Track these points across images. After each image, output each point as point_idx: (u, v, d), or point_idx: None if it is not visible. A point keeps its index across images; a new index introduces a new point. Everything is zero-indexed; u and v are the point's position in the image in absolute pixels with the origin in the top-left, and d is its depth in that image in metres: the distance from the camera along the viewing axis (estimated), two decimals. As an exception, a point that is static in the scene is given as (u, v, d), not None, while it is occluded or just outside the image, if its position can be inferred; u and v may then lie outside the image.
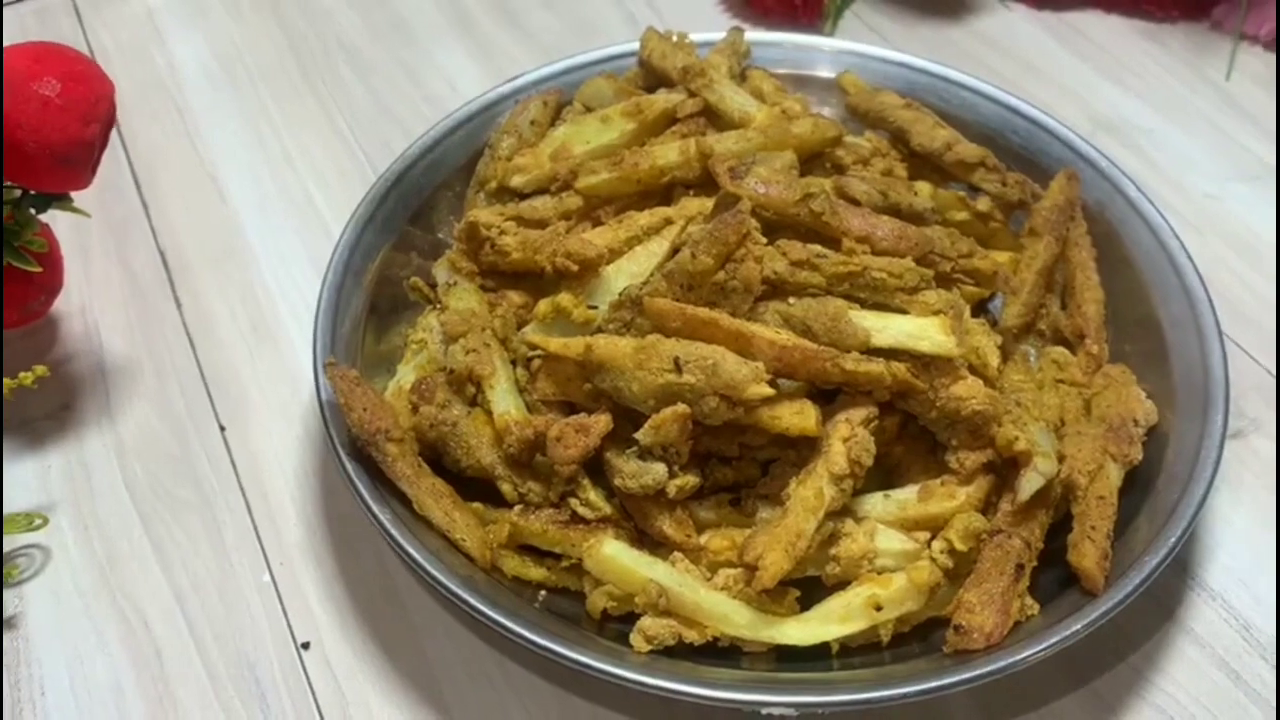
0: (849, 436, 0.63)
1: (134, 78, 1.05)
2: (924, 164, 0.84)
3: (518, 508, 0.66)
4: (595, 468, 0.66)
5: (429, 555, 0.61)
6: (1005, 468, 0.66)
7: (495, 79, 0.99)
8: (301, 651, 0.69)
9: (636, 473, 0.63)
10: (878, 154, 0.84)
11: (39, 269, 0.72)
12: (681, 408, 0.62)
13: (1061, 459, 0.66)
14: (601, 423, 0.65)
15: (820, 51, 0.92)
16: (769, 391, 0.61)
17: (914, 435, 0.69)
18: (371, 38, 1.09)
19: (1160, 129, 1.01)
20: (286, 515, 0.75)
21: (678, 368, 0.62)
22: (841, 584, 0.64)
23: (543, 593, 0.66)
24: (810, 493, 0.62)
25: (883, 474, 0.70)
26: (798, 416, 0.63)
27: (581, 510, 0.65)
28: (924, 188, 0.79)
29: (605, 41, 0.93)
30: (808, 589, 0.65)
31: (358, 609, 0.70)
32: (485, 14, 1.12)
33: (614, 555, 0.61)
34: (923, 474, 0.69)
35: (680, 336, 0.64)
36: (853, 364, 0.63)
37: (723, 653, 0.63)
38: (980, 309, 0.78)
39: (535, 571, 0.66)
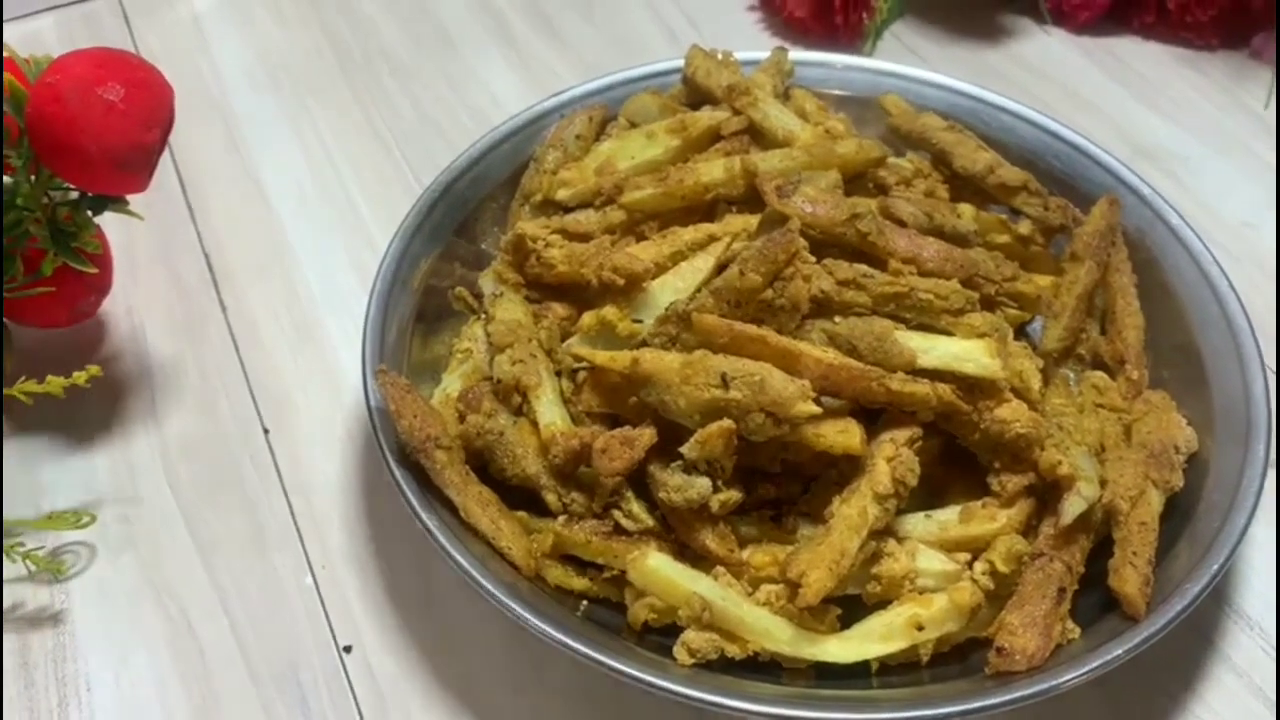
0: (893, 456, 0.64)
1: (179, 83, 1.03)
2: (964, 186, 0.84)
3: (561, 518, 0.66)
4: (638, 481, 0.67)
5: (475, 562, 0.62)
6: (1046, 491, 0.67)
7: (536, 91, 1.01)
8: (344, 654, 0.69)
9: (681, 486, 0.64)
10: (920, 175, 0.84)
11: (95, 270, 0.73)
12: (727, 423, 0.63)
13: (1103, 484, 0.66)
14: (646, 436, 0.65)
15: (861, 71, 0.92)
16: (815, 410, 0.62)
17: (956, 457, 0.70)
18: (414, 48, 1.11)
19: (1198, 156, 1.01)
20: (329, 519, 0.76)
21: (725, 383, 0.63)
22: (882, 603, 0.64)
23: (584, 603, 0.66)
24: (854, 511, 0.63)
25: (925, 495, 0.70)
26: (842, 435, 0.64)
27: (624, 522, 0.66)
28: (967, 210, 0.80)
29: (645, 57, 0.94)
30: (848, 606, 0.65)
31: (399, 614, 0.71)
32: (526, 27, 1.13)
33: (659, 568, 0.62)
34: (964, 495, 0.69)
35: (727, 353, 0.64)
36: (899, 384, 0.64)
37: (762, 668, 0.63)
38: (1020, 333, 0.79)
39: (578, 582, 0.66)
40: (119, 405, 0.82)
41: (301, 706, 0.67)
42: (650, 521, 0.66)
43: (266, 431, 0.81)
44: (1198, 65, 1.09)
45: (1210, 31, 1.10)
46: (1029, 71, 1.09)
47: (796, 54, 0.92)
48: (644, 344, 0.69)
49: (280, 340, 0.86)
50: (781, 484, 0.68)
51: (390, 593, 0.72)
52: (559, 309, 0.76)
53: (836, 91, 0.92)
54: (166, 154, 1.00)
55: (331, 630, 0.70)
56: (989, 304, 0.72)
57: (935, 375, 0.66)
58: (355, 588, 0.72)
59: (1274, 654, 0.70)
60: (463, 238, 0.84)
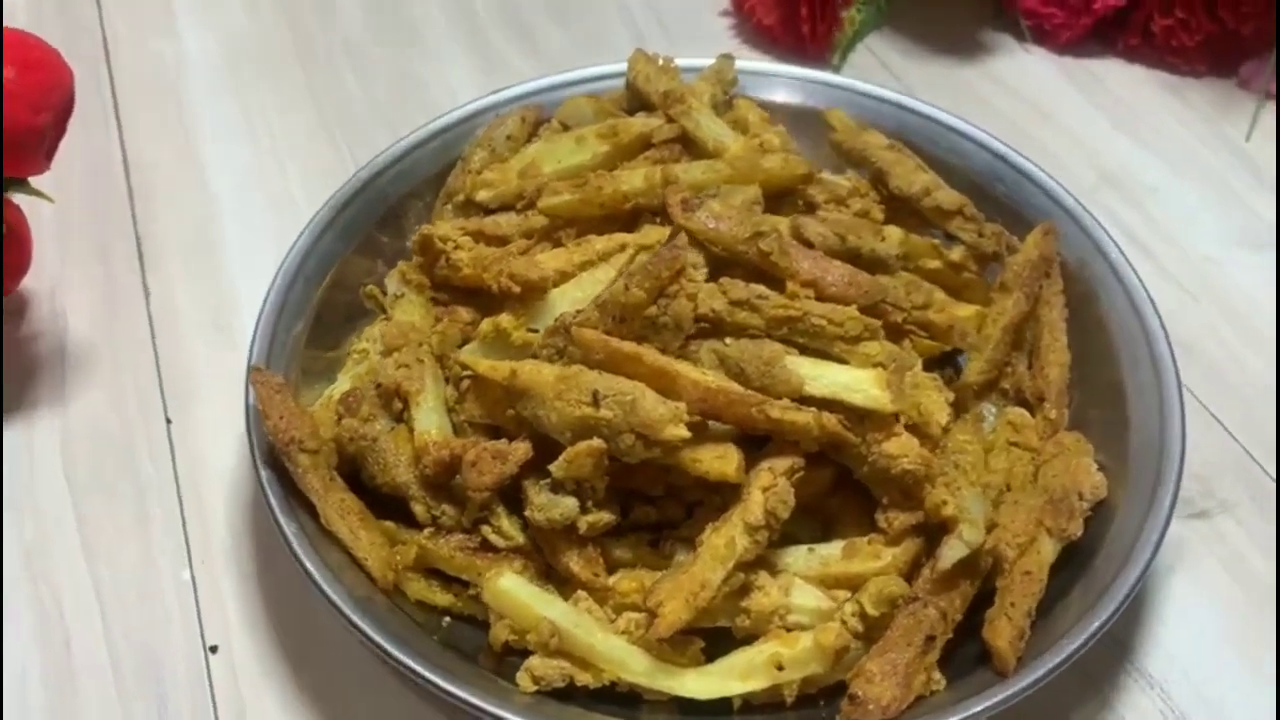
0: (769, 486, 0.61)
1: (140, 65, 1.06)
2: (902, 208, 0.81)
3: (428, 530, 0.64)
4: (513, 497, 0.65)
5: (326, 572, 0.60)
6: (936, 531, 0.64)
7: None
8: (209, 654, 0.68)
9: (546, 506, 0.61)
10: (855, 195, 0.81)
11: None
12: (597, 443, 0.61)
13: (992, 528, 0.63)
14: (520, 451, 0.63)
15: (810, 84, 0.89)
16: (685, 434, 0.59)
17: (852, 489, 0.67)
18: (378, 41, 1.09)
19: (1168, 186, 0.97)
20: (216, 515, 0.74)
21: (595, 401, 0.60)
22: (752, 637, 0.62)
23: (447, 619, 0.64)
24: (721, 541, 0.60)
25: (819, 526, 0.68)
26: (719, 461, 0.61)
27: (493, 538, 0.64)
28: (894, 233, 0.76)
29: (613, 59, 0.91)
30: (721, 639, 0.63)
31: (270, 618, 0.69)
32: (495, 27, 1.12)
33: (510, 589, 0.60)
34: (857, 530, 0.66)
35: (605, 369, 0.62)
36: (779, 412, 0.61)
37: (622, 699, 0.61)
38: (948, 362, 0.76)
39: (441, 597, 0.64)
40: (29, 384, 0.81)
41: (159, 705, 0.66)
42: (520, 539, 0.64)
43: (169, 422, 0.80)
44: (1180, 92, 1.05)
45: (1196, 57, 1.05)
46: (1004, 90, 1.06)
47: (745, 63, 0.90)
48: (535, 356, 0.67)
49: (196, 331, 0.85)
50: (662, 508, 0.66)
51: (265, 596, 0.70)
52: (464, 313, 0.74)
53: (787, 103, 0.90)
54: (113, 132, 1.00)
55: (201, 628, 0.69)
56: (897, 333, 0.69)
57: (825, 404, 0.63)
58: (231, 587, 0.71)
59: (1173, 716, 0.66)
60: (385, 234, 0.83)
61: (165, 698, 0.66)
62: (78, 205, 0.93)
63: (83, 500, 0.75)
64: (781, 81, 0.90)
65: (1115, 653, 0.68)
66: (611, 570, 0.64)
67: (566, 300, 0.70)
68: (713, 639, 0.62)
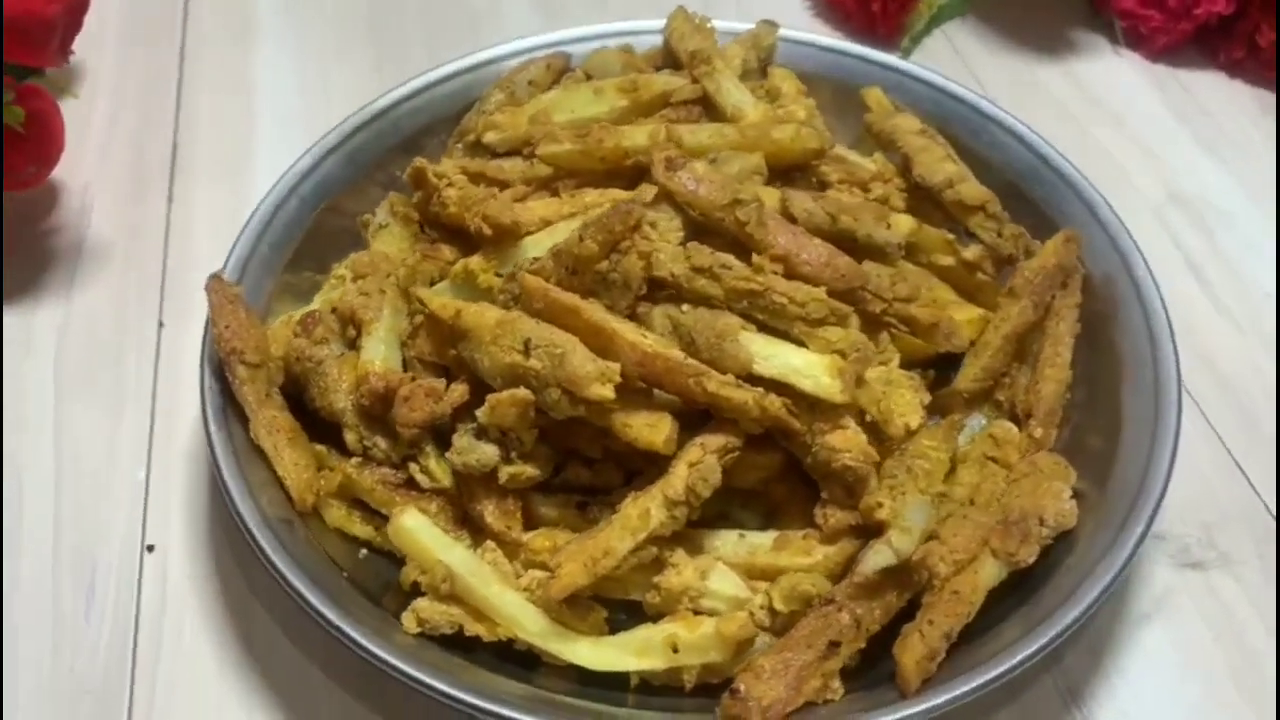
0: (696, 462, 0.58)
1: None
2: (927, 199, 0.76)
3: (356, 460, 0.64)
4: (449, 439, 0.63)
5: (241, 484, 0.60)
6: (875, 535, 0.60)
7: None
8: (145, 552, 0.69)
9: (465, 450, 0.60)
10: (878, 179, 0.77)
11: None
12: (522, 392, 0.59)
13: (933, 539, 0.59)
14: (456, 392, 0.62)
15: (848, 58, 0.85)
16: (609, 395, 0.57)
17: (802, 478, 0.63)
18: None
19: (1241, 214, 0.89)
20: (183, 425, 0.75)
21: (526, 350, 0.58)
22: (661, 616, 0.59)
23: (364, 552, 0.64)
24: (635, 512, 0.58)
25: (761, 513, 0.65)
26: (649, 429, 0.59)
27: (419, 477, 0.63)
28: (902, 222, 0.72)
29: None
30: (636, 613, 0.60)
31: (210, 529, 0.70)
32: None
33: (412, 528, 0.58)
34: (802, 522, 0.63)
35: (545, 319, 0.60)
36: (716, 385, 0.58)
37: (519, 658, 0.59)
38: (950, 366, 0.71)
39: (360, 528, 0.63)
40: (41, 276, 0.84)
41: (87, 594, 0.67)
42: (446, 482, 0.62)
43: (161, 325, 0.81)
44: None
45: (1305, 79, 0.96)
46: (1082, 93, 0.99)
47: (790, 32, 0.86)
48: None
49: (207, 245, 0.86)
50: (598, 471, 0.63)
51: (209, 506, 0.71)
52: (447, 252, 0.73)
53: (829, 78, 0.85)
54: (176, 45, 1.02)
55: (144, 527, 0.70)
56: (875, 324, 0.65)
57: (774, 386, 0.60)
58: (181, 493, 0.72)
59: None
60: (398, 166, 0.82)
61: (94, 585, 0.67)
62: (128, 109, 0.96)
63: (66, 390, 0.77)
64: (828, 56, 0.86)
65: (1064, 699, 0.63)
66: (533, 526, 0.62)
67: (539, 248, 0.68)
68: (635, 615, 0.60)
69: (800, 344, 0.61)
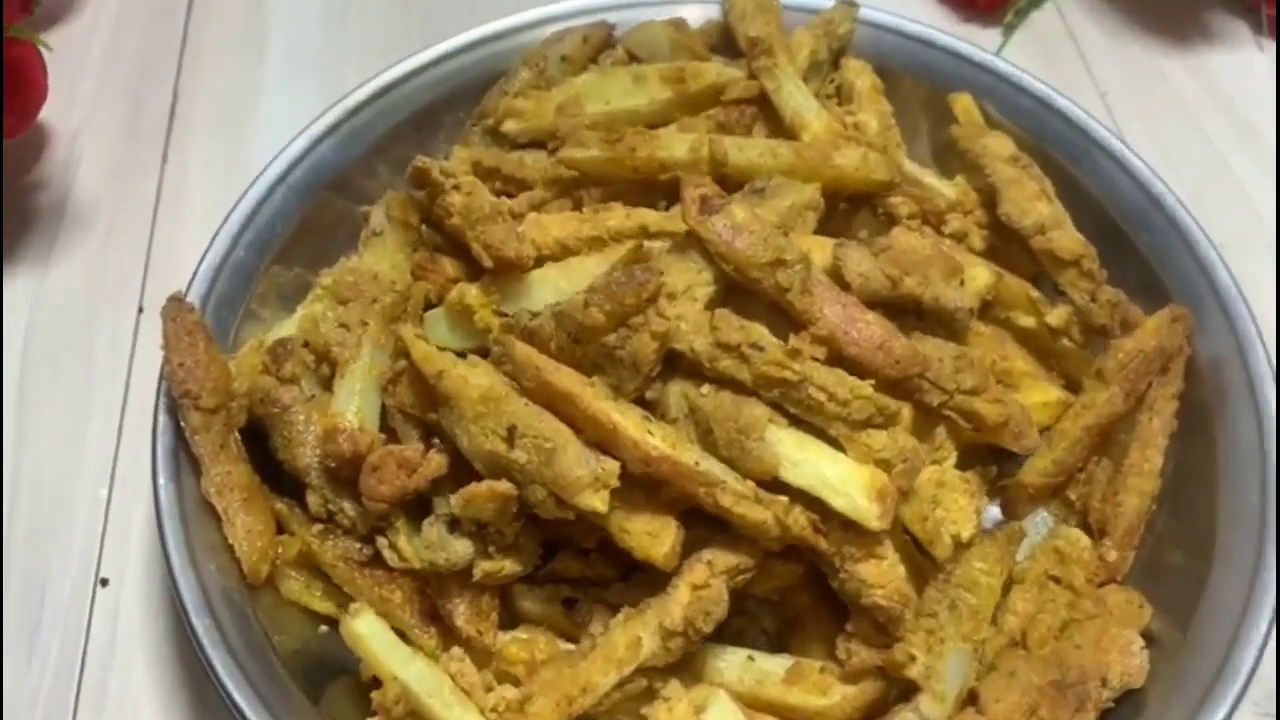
0: (701, 585, 0.50)
1: None
2: (1012, 239, 0.65)
3: (319, 527, 0.56)
4: (425, 508, 0.55)
5: (184, 556, 0.53)
6: (903, 683, 0.51)
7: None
8: (99, 585, 0.63)
9: (435, 545, 0.52)
10: (956, 209, 0.66)
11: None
12: (504, 486, 0.50)
13: (973, 701, 0.50)
14: (432, 465, 0.53)
15: (942, 53, 0.72)
16: (600, 508, 0.48)
17: (825, 587, 0.55)
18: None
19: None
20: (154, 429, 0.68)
21: (510, 438, 0.50)
22: (648, 749, 0.52)
23: (324, 627, 0.56)
24: (624, 641, 0.49)
25: (778, 623, 0.56)
26: (650, 539, 0.50)
27: (386, 554, 0.55)
28: (978, 277, 0.61)
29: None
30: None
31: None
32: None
33: (367, 635, 0.51)
34: (822, 639, 0.54)
35: (535, 400, 0.51)
36: (732, 501, 0.49)
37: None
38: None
39: (321, 604, 0.56)
40: (20, 239, 0.76)
41: (33, 626, 0.61)
42: (416, 563, 0.54)
43: (140, 311, 0.73)
44: None
45: None
46: (1211, 92, 0.85)
47: (871, 13, 0.73)
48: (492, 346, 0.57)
49: (200, 215, 0.77)
50: (591, 563, 0.55)
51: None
52: (448, 267, 0.64)
53: (907, 70, 0.73)
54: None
55: (100, 555, 0.64)
56: (932, 416, 0.55)
57: (801, 495, 0.51)
58: (142, 518, 0.65)
59: None
60: (409, 145, 0.72)
61: (40, 621, 0.62)
62: (130, 44, 0.87)
63: (32, 374, 0.70)
64: (913, 47, 0.73)
65: None
66: (512, 621, 0.54)
67: (548, 286, 0.59)
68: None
69: (837, 446, 0.51)
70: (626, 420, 0.49)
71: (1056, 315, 0.62)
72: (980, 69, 0.72)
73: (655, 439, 0.49)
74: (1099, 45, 0.87)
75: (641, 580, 0.54)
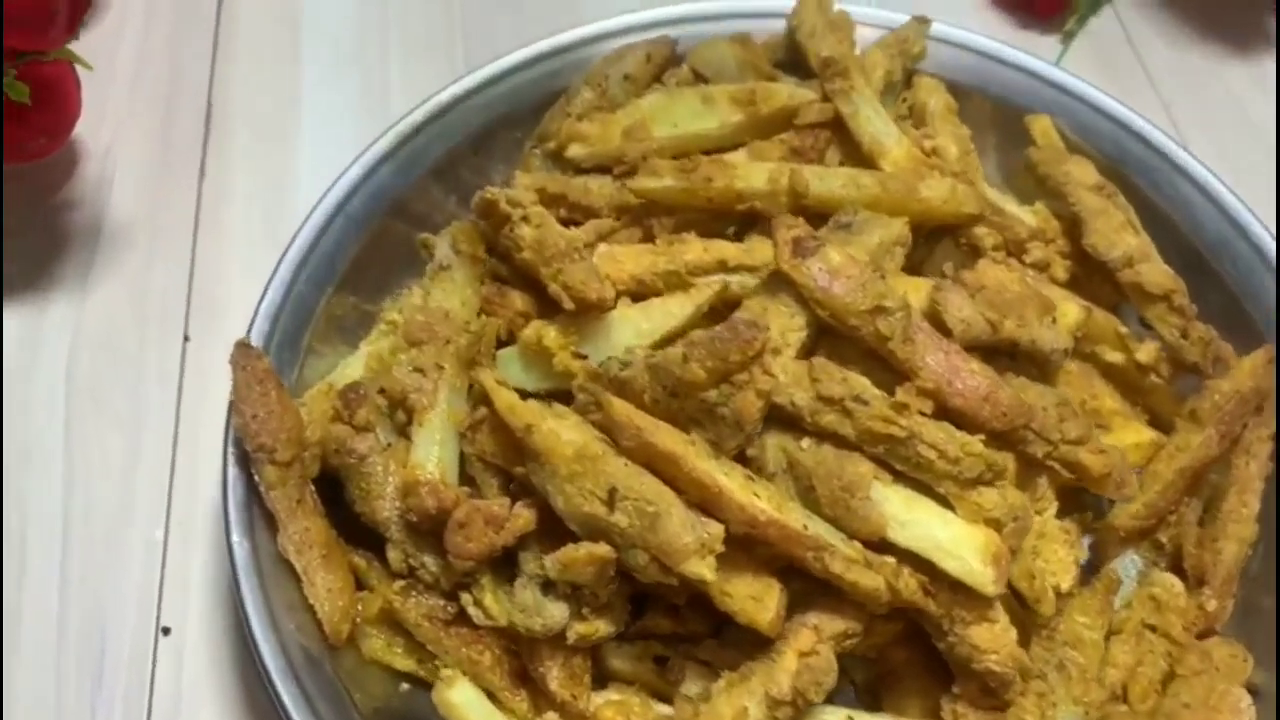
0: (808, 652, 0.48)
1: None
2: (1096, 270, 0.63)
3: (400, 583, 0.54)
4: (511, 563, 0.53)
5: (265, 619, 0.51)
6: (1011, 744, 0.50)
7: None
8: (160, 635, 0.61)
9: (530, 609, 0.50)
10: (1037, 239, 0.64)
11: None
12: (603, 549, 0.48)
13: (1087, 766, 0.49)
14: (520, 521, 0.51)
15: (1013, 70, 0.70)
16: (708, 575, 0.46)
17: (925, 643, 0.53)
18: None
19: None
20: (209, 467, 0.65)
21: (611, 501, 0.48)
22: (748, 814, 0.50)
23: (405, 685, 0.55)
24: (729, 712, 0.48)
25: (872, 677, 0.55)
26: (753, 603, 0.49)
27: (472, 611, 0.53)
28: (1069, 314, 0.59)
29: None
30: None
31: (234, 608, 0.61)
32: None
33: (461, 704, 0.49)
34: (920, 697, 0.53)
35: (634, 460, 0.49)
36: (842, 567, 0.47)
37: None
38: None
39: (402, 661, 0.54)
40: (55, 261, 0.73)
41: (94, 681, 0.59)
42: (503, 620, 0.52)
43: (187, 339, 0.71)
44: None
45: None
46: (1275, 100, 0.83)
47: (946, 29, 0.71)
48: (576, 392, 0.54)
49: (243, 228, 0.75)
50: (683, 618, 0.53)
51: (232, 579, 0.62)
52: (518, 300, 0.62)
53: (974, 86, 0.71)
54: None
55: (159, 603, 0.62)
56: (1034, 466, 0.53)
57: (906, 554, 0.49)
58: (202, 561, 0.63)
59: None
60: (464, 167, 0.70)
61: (102, 674, 0.59)
62: (159, 48, 0.83)
63: (77, 413, 0.68)
64: (982, 63, 0.71)
65: None
66: (603, 682, 0.53)
67: (629, 328, 0.57)
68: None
69: (944, 504, 0.50)
70: (732, 483, 0.48)
71: (1146, 351, 0.61)
72: (1054, 87, 0.70)
73: (762, 502, 0.48)
74: (1159, 53, 0.85)
75: (734, 636, 0.52)
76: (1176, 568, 0.58)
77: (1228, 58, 0.85)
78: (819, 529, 0.48)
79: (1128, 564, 0.60)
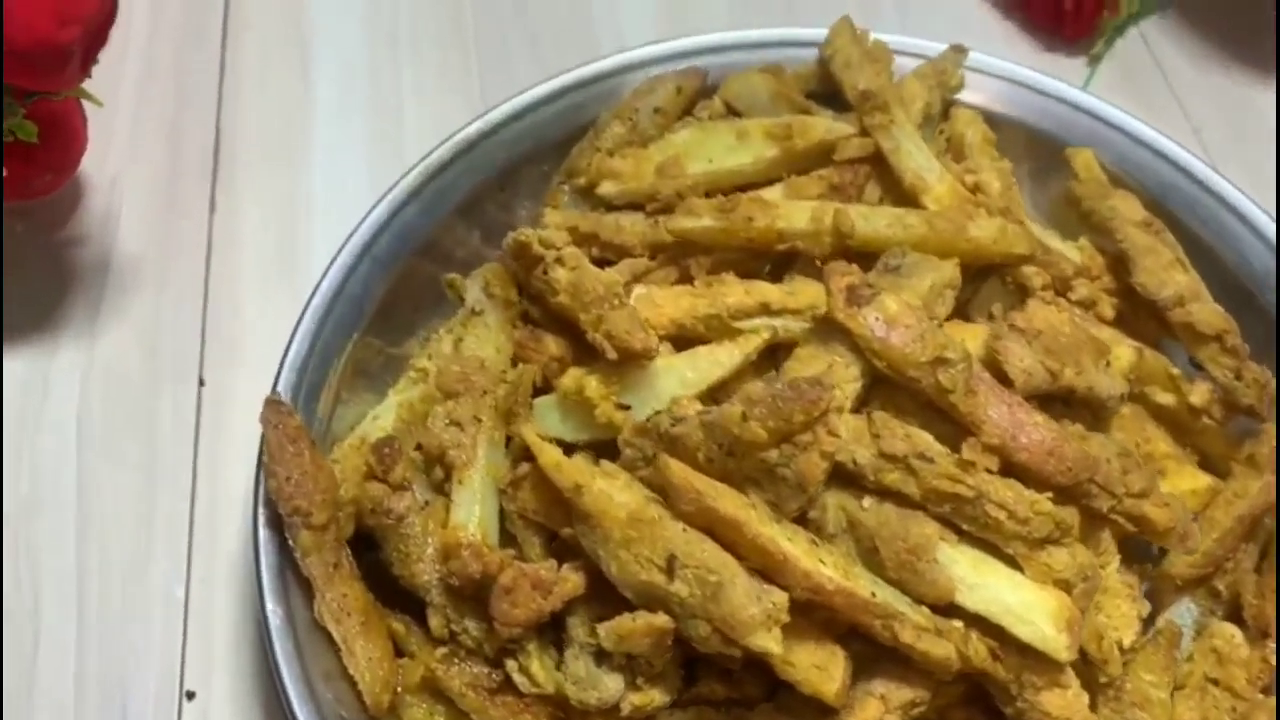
0: (876, 722, 0.46)
1: None
2: (1141, 306, 0.62)
3: (442, 650, 0.52)
4: (558, 626, 0.51)
5: (303, 690, 0.49)
6: (1083, 813, 0.48)
7: (670, 26, 0.81)
8: (184, 700, 0.58)
9: (584, 681, 0.48)
10: (1082, 276, 0.62)
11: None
12: (662, 620, 0.46)
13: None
14: (569, 585, 0.49)
15: (1052, 100, 0.69)
16: (775, 649, 0.44)
17: (985, 704, 0.51)
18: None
19: None
20: (230, 520, 0.63)
21: (670, 569, 0.46)
22: None
23: (447, 755, 0.53)
24: (792, 785, 0.46)
25: (929, 732, 0.53)
26: (818, 672, 0.47)
27: (518, 678, 0.51)
28: (1123, 356, 0.58)
29: (826, 21, 0.70)
30: None
31: (261, 673, 0.59)
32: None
33: (513, 779, 0.47)
34: (979, 757, 0.51)
35: (692, 524, 0.47)
36: (912, 636, 0.46)
37: None
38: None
39: (445, 729, 0.52)
40: (61, 302, 0.70)
41: (115, 753, 0.57)
42: (550, 688, 0.50)
43: (202, 384, 0.68)
44: None
45: None
46: (1308, 130, 0.82)
47: (980, 58, 0.69)
48: (621, 445, 0.52)
49: (256, 266, 0.73)
50: (738, 683, 0.51)
51: (261, 642, 0.59)
52: (552, 345, 0.60)
53: (1006, 114, 0.69)
54: (219, 2, 0.85)
55: (182, 666, 0.59)
56: (1097, 520, 0.52)
57: (974, 619, 0.47)
58: (226, 620, 0.60)
59: None
60: (491, 203, 0.67)
61: (124, 742, 0.57)
62: (164, 74, 0.80)
63: (88, 462, 0.65)
64: (1018, 93, 0.70)
65: None
66: (654, 749, 0.51)
67: (674, 378, 0.55)
68: None
69: (1012, 564, 0.48)
70: (797, 549, 0.46)
71: (1199, 393, 0.59)
72: (1094, 118, 0.68)
73: (828, 569, 0.46)
74: (1187, 76, 0.84)
75: (789, 701, 0.50)
76: (1232, 615, 0.57)
77: (1256, 81, 0.84)
78: (886, 595, 0.46)
79: (1183, 612, 0.58)
